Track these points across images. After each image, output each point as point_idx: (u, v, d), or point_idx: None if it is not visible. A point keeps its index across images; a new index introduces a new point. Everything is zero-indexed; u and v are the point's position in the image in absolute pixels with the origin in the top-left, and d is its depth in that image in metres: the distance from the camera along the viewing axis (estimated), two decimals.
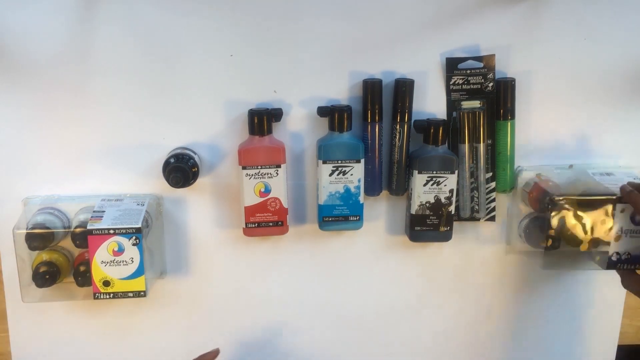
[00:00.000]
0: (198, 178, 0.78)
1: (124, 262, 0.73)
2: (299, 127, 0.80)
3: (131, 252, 0.73)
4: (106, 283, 0.74)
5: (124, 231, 0.72)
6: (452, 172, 0.79)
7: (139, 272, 0.74)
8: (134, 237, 0.73)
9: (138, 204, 0.77)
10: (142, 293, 0.75)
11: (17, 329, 0.85)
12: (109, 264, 0.73)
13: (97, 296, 0.75)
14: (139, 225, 0.73)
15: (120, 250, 0.73)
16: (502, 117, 0.80)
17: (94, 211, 0.75)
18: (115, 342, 0.87)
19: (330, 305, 0.88)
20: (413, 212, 0.80)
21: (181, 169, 0.74)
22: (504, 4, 0.77)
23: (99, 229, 0.72)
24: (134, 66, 0.76)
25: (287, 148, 0.79)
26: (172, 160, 0.76)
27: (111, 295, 0.75)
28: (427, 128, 0.78)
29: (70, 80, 0.75)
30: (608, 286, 0.90)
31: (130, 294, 0.75)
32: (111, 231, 0.72)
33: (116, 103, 0.77)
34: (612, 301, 0.91)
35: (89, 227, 0.73)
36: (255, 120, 0.76)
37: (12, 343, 0.85)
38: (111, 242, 0.73)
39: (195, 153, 0.79)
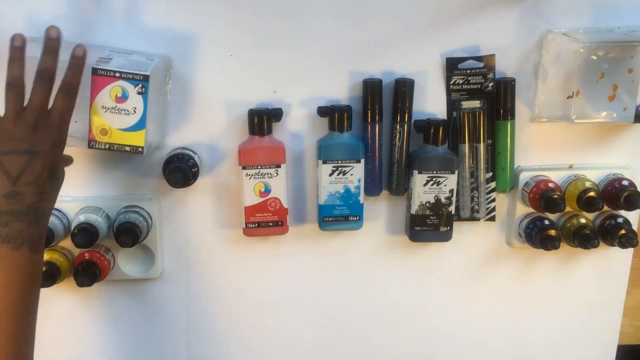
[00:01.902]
0: (198, 178, 0.78)
1: (126, 111, 0.68)
2: (299, 127, 0.80)
3: (135, 100, 0.68)
4: (104, 132, 0.68)
5: (130, 76, 0.67)
6: (452, 172, 0.79)
7: (140, 125, 0.69)
8: (140, 85, 0.67)
9: (148, 59, 0.72)
10: (139, 149, 0.70)
11: None
12: (109, 110, 0.68)
13: (92, 144, 0.69)
14: (147, 73, 0.67)
15: (124, 97, 0.68)
16: (502, 117, 0.80)
17: (100, 57, 0.69)
18: (115, 342, 0.87)
19: (330, 305, 0.88)
20: (413, 212, 0.80)
21: (181, 169, 0.74)
22: (504, 4, 0.77)
23: (104, 70, 0.67)
24: None
25: (287, 148, 0.79)
26: (172, 160, 0.76)
27: (107, 146, 0.69)
28: (427, 128, 0.78)
29: None
30: (608, 286, 0.90)
31: (127, 148, 0.69)
32: (117, 74, 0.67)
33: None
34: (612, 301, 0.91)
35: (94, 67, 0.67)
36: (255, 120, 0.76)
37: None
38: (115, 87, 0.67)
39: (195, 153, 0.79)
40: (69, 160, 0.75)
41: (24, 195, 0.59)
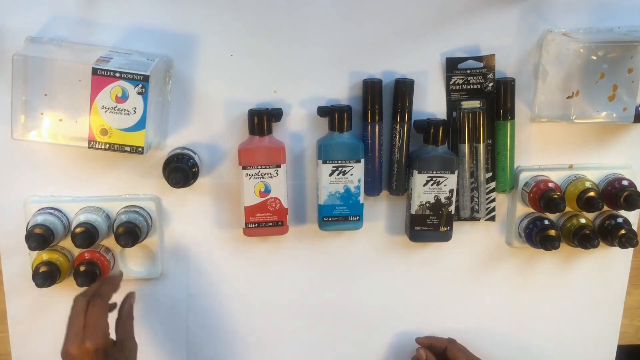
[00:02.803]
0: (198, 178, 0.78)
1: (126, 111, 0.68)
2: (299, 127, 0.80)
3: (135, 101, 0.68)
4: (104, 132, 0.69)
5: (130, 76, 0.68)
6: (452, 172, 0.79)
7: (140, 125, 0.69)
8: (140, 85, 0.68)
9: (148, 59, 0.72)
10: (139, 149, 0.70)
11: (17, 329, 0.85)
12: (109, 110, 0.68)
13: (92, 144, 0.69)
14: (147, 73, 0.68)
15: (124, 97, 0.68)
16: (502, 117, 0.80)
17: (101, 56, 0.70)
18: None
19: (330, 305, 0.88)
20: (413, 212, 0.80)
21: (181, 169, 0.74)
22: (504, 4, 0.77)
23: (104, 70, 0.67)
24: None
25: (287, 148, 0.79)
26: (172, 160, 0.76)
27: (107, 146, 0.69)
28: (427, 128, 0.78)
29: (72, 80, 0.75)
30: (608, 286, 0.90)
31: (127, 148, 0.70)
32: (117, 74, 0.68)
33: None
34: (612, 301, 0.91)
35: (94, 67, 0.67)
36: (255, 120, 0.76)
37: (12, 343, 0.85)
38: (115, 87, 0.68)
39: (195, 153, 0.79)
40: (132, 299, 0.79)
41: None
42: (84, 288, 0.75)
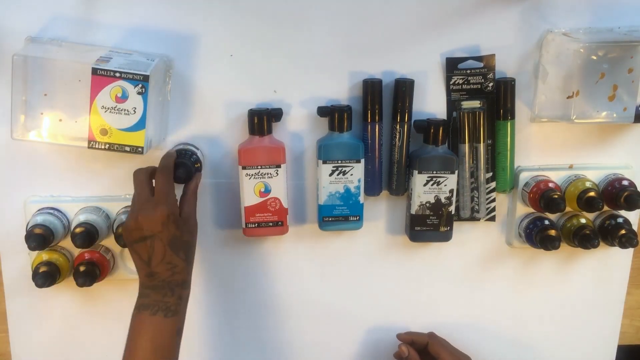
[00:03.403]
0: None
1: (126, 111, 0.69)
2: (299, 127, 0.80)
3: (135, 100, 0.69)
4: (103, 131, 0.69)
5: (130, 76, 0.68)
6: (452, 172, 0.79)
7: (140, 125, 0.70)
8: (140, 85, 0.68)
9: (148, 59, 0.72)
10: (139, 149, 0.70)
11: (17, 329, 0.85)
12: (109, 110, 0.69)
13: (92, 144, 0.70)
14: (147, 73, 0.68)
15: (124, 97, 0.68)
16: (502, 117, 0.80)
17: (101, 56, 0.70)
18: (114, 342, 0.86)
19: (330, 305, 0.88)
20: (413, 212, 0.80)
21: (184, 165, 0.74)
22: (504, 4, 0.77)
23: (104, 70, 0.68)
24: None
25: (287, 148, 0.79)
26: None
27: (107, 146, 0.70)
28: (427, 128, 0.78)
29: (72, 80, 0.75)
30: (608, 286, 0.90)
31: (127, 148, 0.70)
32: (117, 74, 0.68)
33: None
34: (612, 301, 0.91)
35: (94, 67, 0.68)
36: (255, 120, 0.76)
37: (12, 343, 0.85)
38: (115, 87, 0.68)
39: (197, 148, 0.79)
40: (198, 179, 0.75)
41: (158, 274, 0.68)
42: (84, 287, 0.76)
